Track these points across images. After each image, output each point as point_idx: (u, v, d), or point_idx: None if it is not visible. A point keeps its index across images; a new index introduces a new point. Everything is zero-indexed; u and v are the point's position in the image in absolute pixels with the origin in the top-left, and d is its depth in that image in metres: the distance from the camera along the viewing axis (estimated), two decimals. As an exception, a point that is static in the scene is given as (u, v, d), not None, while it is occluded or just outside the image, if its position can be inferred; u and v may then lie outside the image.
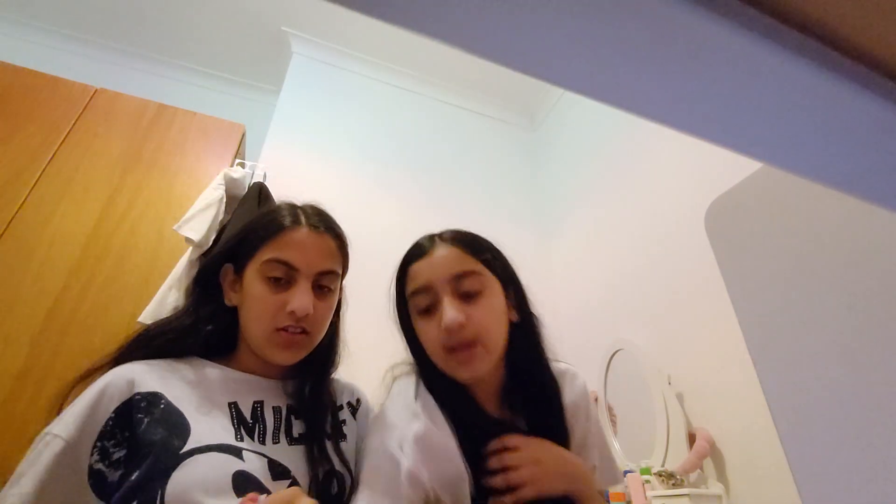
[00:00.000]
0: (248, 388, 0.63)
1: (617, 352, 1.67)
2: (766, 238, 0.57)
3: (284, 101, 2.12)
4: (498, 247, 0.71)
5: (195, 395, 0.58)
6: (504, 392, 0.67)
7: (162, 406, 0.54)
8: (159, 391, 0.55)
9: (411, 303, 0.66)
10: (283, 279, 0.63)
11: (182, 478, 0.49)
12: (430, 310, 0.63)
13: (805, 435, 0.48)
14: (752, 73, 0.21)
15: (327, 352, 0.71)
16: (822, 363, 0.48)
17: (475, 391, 0.65)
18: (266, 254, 0.63)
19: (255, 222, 0.68)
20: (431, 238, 0.69)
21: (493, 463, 0.57)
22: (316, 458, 0.59)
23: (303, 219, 0.66)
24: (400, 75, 2.51)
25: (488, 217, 2.27)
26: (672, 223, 1.61)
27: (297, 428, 0.62)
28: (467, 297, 0.62)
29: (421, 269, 0.65)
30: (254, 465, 0.54)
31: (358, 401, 0.75)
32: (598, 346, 1.77)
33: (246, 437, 0.57)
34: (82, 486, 0.50)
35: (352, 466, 0.63)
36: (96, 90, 1.67)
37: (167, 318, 0.67)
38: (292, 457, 0.58)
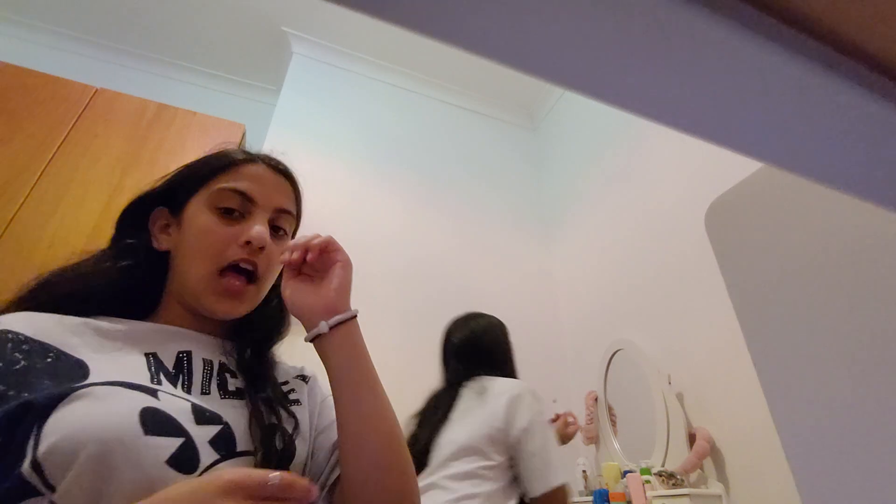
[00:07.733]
0: (172, 339, 0.51)
1: (617, 352, 1.67)
2: (766, 238, 0.57)
3: (284, 101, 2.13)
4: None
5: (99, 342, 0.46)
6: None
7: (49, 360, 0.41)
8: (49, 342, 0.42)
9: None
10: (236, 212, 0.55)
11: (68, 414, 0.36)
12: None
13: (805, 435, 0.48)
14: (753, 73, 0.21)
15: (276, 314, 0.61)
16: (823, 363, 0.48)
17: None
18: (218, 184, 0.55)
19: (200, 160, 0.59)
20: None
21: None
22: (260, 409, 0.49)
23: (259, 158, 0.61)
24: (400, 75, 2.51)
25: (488, 217, 2.27)
26: (672, 223, 1.61)
27: (234, 384, 0.51)
28: None
29: None
30: (172, 405, 0.42)
31: (312, 377, 0.63)
32: (598, 346, 1.77)
33: (165, 383, 0.45)
34: None
35: (303, 425, 0.53)
36: (96, 90, 1.67)
37: (73, 263, 0.55)
38: (225, 407, 0.47)
